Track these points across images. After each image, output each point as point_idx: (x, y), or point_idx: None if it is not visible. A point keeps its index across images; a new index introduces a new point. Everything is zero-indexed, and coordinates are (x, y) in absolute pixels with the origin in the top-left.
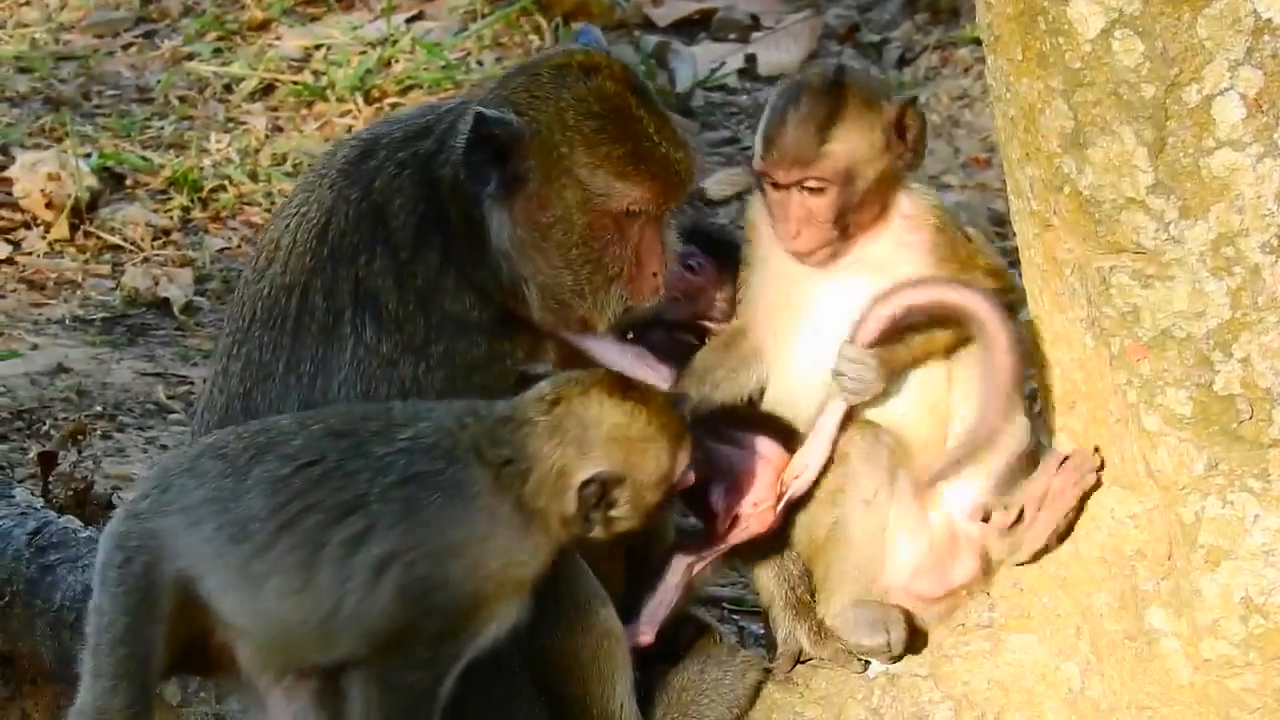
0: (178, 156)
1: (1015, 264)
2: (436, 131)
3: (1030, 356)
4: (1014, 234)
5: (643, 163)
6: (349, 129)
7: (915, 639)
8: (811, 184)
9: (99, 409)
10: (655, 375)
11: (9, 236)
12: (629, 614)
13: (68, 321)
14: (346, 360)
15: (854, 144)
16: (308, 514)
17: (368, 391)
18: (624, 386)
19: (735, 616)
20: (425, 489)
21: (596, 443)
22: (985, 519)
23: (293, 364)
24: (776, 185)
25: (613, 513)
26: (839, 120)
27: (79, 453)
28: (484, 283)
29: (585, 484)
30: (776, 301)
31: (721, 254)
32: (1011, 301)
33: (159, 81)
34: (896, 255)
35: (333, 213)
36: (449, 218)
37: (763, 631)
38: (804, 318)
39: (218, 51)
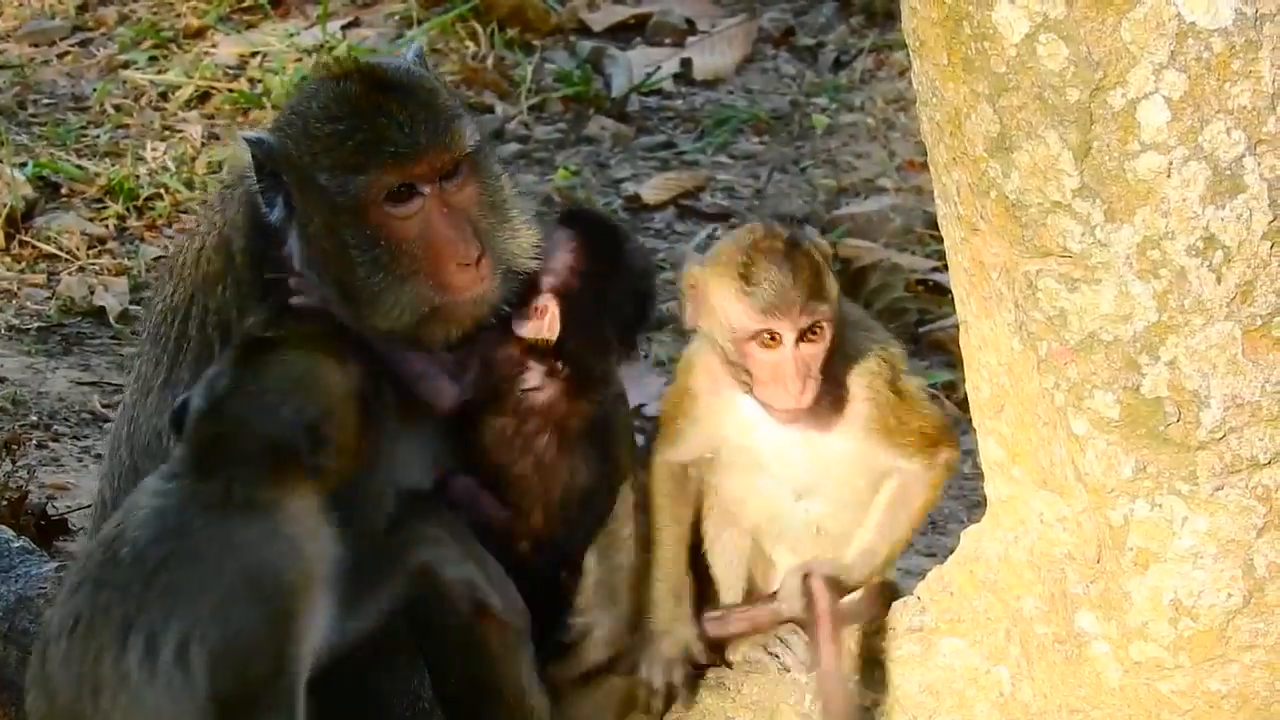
0: (113, 165)
1: (945, 268)
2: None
3: (960, 360)
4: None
5: (373, 146)
6: None
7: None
8: (819, 327)
9: (34, 418)
10: (438, 394)
11: None
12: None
13: (3, 331)
14: None
15: (833, 282)
16: (101, 661)
17: None
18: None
19: None
20: (168, 564)
21: None
22: None
23: (170, 383)
24: (773, 341)
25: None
26: (817, 262)
27: (13, 462)
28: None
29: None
30: (721, 441)
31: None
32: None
33: (95, 90)
34: (839, 408)
35: (206, 239)
36: (273, 249)
37: None
38: (752, 460)
39: (153, 59)
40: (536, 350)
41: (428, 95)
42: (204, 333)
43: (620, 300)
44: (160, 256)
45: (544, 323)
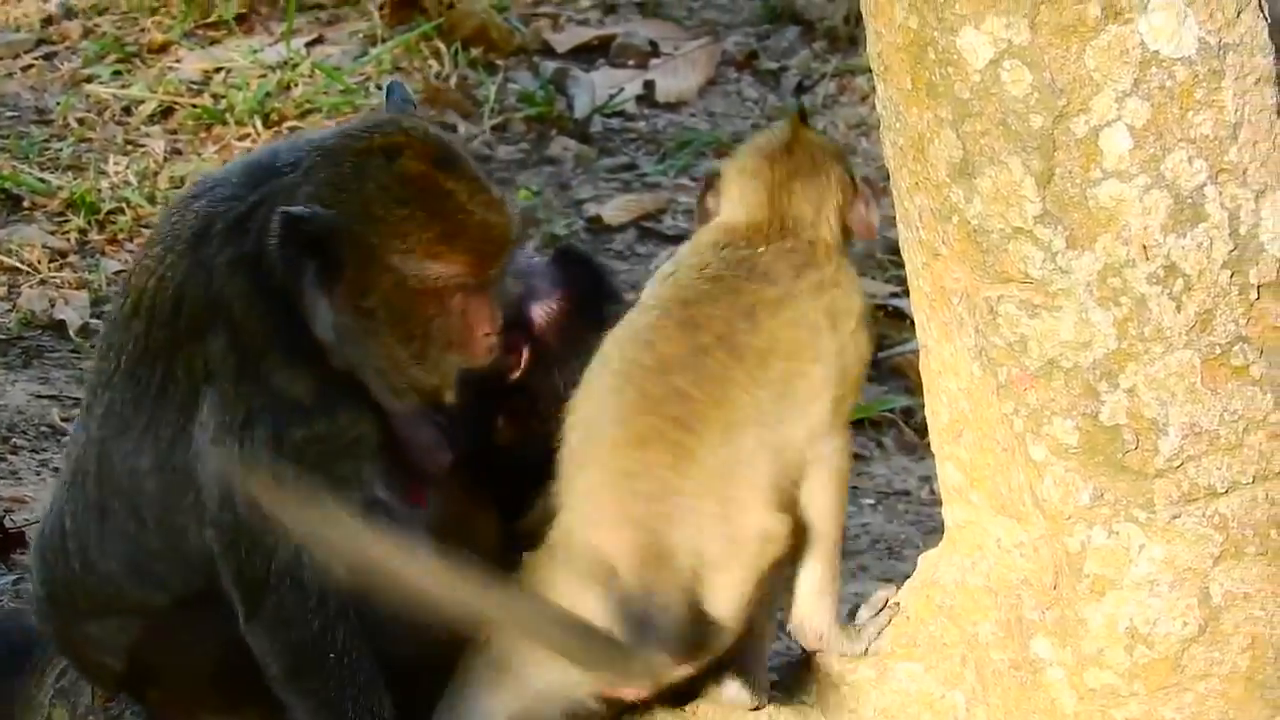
0: (76, 179)
1: (908, 293)
2: (253, 231)
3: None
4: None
5: (455, 240)
6: (248, 152)
7: (804, 667)
8: None
9: None
10: (436, 461)
11: None
12: None
13: None
14: (203, 438)
15: None
16: None
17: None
18: None
19: None
20: None
21: None
22: None
23: (152, 424)
24: None
25: None
26: None
27: None
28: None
29: None
30: None
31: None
32: None
33: (58, 103)
34: None
35: (185, 288)
36: (283, 310)
37: None
38: None
39: (117, 74)
40: (500, 385)
41: (473, 168)
42: (191, 379)
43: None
44: (120, 271)
45: (512, 360)
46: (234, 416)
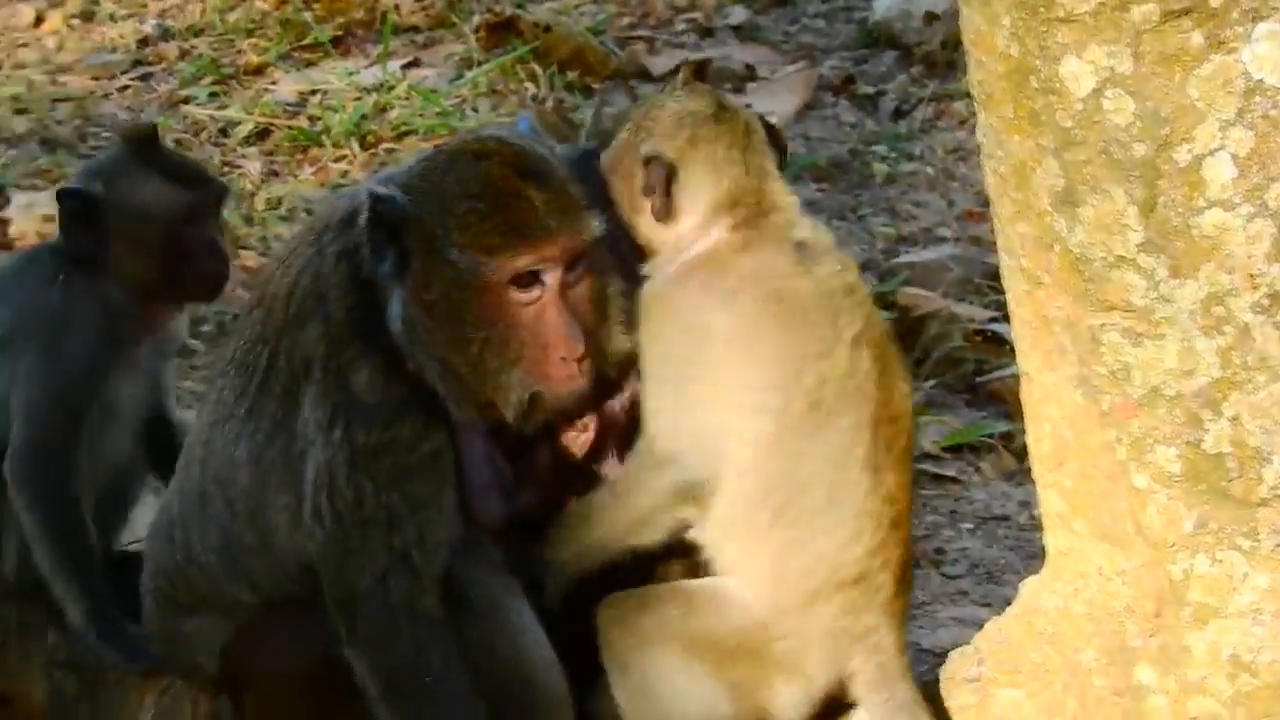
0: None
1: (1007, 318)
2: (358, 223)
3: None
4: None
5: (511, 236)
6: (344, 174)
7: None
8: None
9: None
10: (487, 505)
11: None
12: None
13: None
14: (298, 431)
15: None
16: None
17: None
18: None
19: None
20: None
21: None
22: None
23: (252, 413)
24: None
25: None
26: None
27: None
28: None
29: None
30: None
31: None
32: None
33: (155, 124)
34: None
35: (301, 275)
36: (371, 302)
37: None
38: None
39: (214, 95)
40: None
41: (561, 184)
42: (291, 365)
43: None
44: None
45: (579, 439)
46: (323, 413)
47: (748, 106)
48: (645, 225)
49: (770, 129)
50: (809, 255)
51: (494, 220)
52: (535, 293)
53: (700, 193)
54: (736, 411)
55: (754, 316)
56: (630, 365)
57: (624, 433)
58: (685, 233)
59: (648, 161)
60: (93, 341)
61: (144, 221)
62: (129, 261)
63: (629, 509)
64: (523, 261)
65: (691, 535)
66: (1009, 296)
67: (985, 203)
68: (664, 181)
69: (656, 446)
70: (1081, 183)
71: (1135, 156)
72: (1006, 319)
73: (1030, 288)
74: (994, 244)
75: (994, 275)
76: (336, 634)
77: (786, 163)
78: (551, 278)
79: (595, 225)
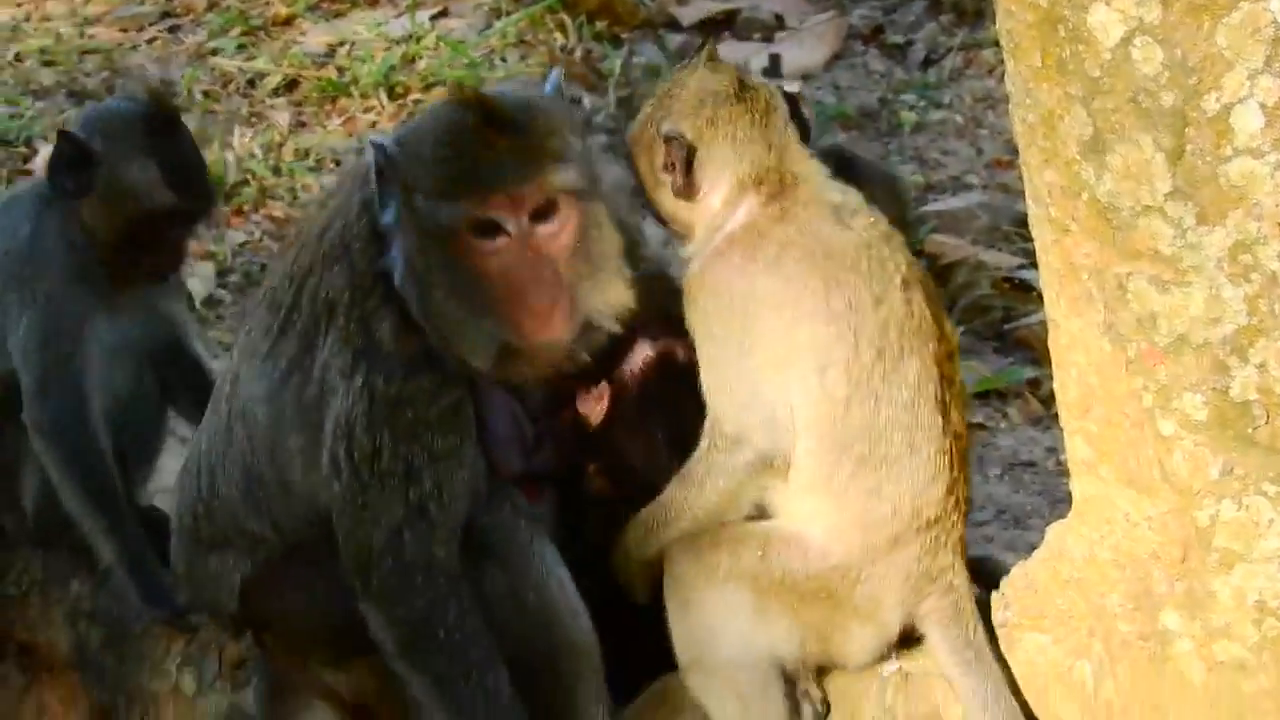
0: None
1: (1034, 265)
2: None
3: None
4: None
5: (465, 182)
6: (373, 125)
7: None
8: None
9: None
10: (506, 459)
11: None
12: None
13: None
14: (314, 374)
15: None
16: None
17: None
18: None
19: None
20: None
21: None
22: None
23: (274, 352)
24: None
25: None
26: None
27: None
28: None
29: None
30: None
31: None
32: None
33: (183, 76)
34: None
35: (334, 218)
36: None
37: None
38: None
39: (241, 47)
40: (584, 429)
41: (539, 134)
42: (314, 307)
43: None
44: (246, 242)
45: (594, 408)
46: (345, 360)
47: (776, 57)
48: (667, 201)
49: (793, 103)
50: (845, 212)
51: (452, 166)
52: (499, 241)
53: (720, 171)
54: (802, 374)
55: (801, 277)
56: (643, 325)
57: (641, 398)
58: (717, 211)
59: (668, 140)
60: (65, 280)
61: (125, 200)
62: (97, 221)
63: (710, 495)
64: (478, 207)
65: (766, 498)
66: (1037, 244)
67: (1014, 151)
68: (684, 160)
69: (726, 428)
70: (1110, 131)
71: (1163, 105)
72: (1034, 266)
73: (1058, 235)
74: (1022, 192)
75: (1022, 223)
76: (352, 588)
77: (810, 136)
78: (514, 226)
79: (569, 178)
